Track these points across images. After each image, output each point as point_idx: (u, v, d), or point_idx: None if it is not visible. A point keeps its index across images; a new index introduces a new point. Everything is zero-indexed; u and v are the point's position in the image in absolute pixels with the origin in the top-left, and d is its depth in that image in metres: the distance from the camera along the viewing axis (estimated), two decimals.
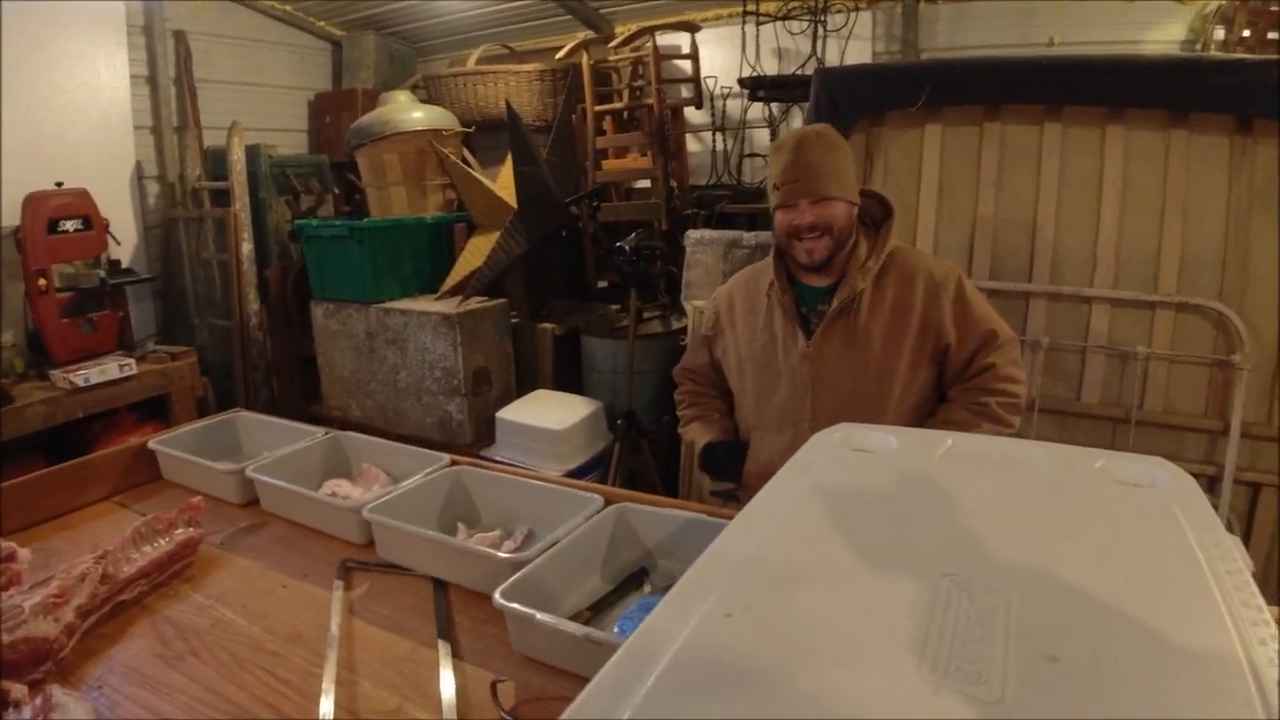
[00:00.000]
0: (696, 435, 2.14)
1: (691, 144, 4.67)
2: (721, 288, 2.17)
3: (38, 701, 1.03)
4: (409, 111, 4.15)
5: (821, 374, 1.88)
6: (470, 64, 4.59)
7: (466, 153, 4.41)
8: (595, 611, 1.27)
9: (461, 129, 4.33)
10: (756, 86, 3.95)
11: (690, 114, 4.56)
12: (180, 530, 1.45)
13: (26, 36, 3.68)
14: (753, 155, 4.52)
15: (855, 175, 1.89)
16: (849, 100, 2.86)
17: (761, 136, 4.46)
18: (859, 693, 0.61)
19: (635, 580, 1.37)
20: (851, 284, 1.84)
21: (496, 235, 3.76)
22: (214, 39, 4.68)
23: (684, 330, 3.51)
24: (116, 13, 4.07)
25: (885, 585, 0.75)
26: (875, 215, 1.95)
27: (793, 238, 1.85)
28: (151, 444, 1.87)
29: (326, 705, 1.06)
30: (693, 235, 3.49)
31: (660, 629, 0.71)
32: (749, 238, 3.36)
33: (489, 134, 4.52)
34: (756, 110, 4.38)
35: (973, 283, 1.90)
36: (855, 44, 4.11)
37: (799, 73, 4.09)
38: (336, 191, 4.74)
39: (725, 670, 0.66)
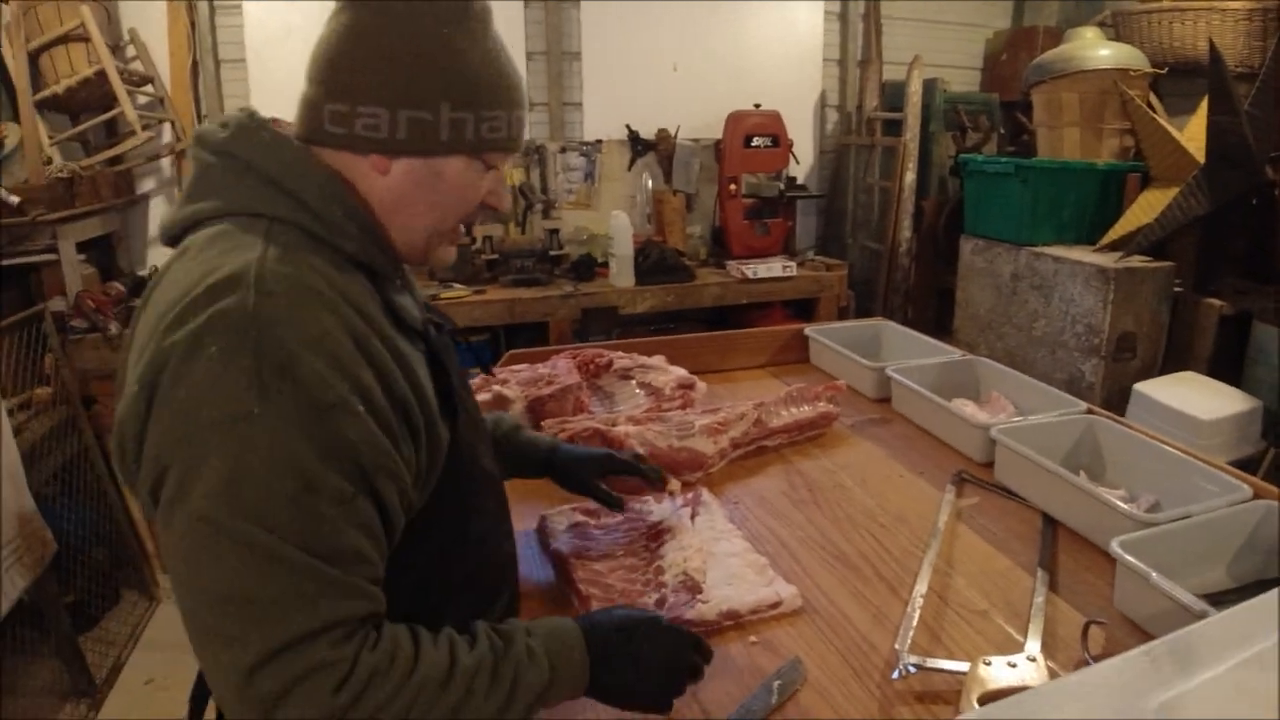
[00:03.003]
0: None
1: None
2: None
3: (689, 495, 1.31)
4: (1095, 49, 3.83)
5: None
6: None
7: (1153, 97, 3.94)
8: (1210, 603, 1.13)
9: (1151, 70, 3.87)
10: None
11: None
12: (822, 403, 1.65)
13: None
14: None
15: None
16: None
17: None
18: None
19: (1262, 588, 1.18)
20: None
21: (1173, 191, 3.34)
22: None
23: None
24: None
25: None
26: None
27: None
28: (807, 330, 2.13)
29: (922, 583, 1.13)
30: None
31: None
32: None
33: (1178, 79, 3.95)
34: None
35: None
36: None
37: None
38: (1002, 131, 4.64)
39: None
